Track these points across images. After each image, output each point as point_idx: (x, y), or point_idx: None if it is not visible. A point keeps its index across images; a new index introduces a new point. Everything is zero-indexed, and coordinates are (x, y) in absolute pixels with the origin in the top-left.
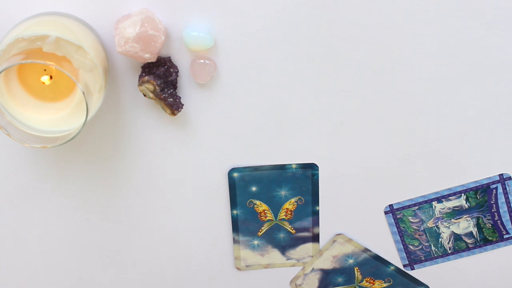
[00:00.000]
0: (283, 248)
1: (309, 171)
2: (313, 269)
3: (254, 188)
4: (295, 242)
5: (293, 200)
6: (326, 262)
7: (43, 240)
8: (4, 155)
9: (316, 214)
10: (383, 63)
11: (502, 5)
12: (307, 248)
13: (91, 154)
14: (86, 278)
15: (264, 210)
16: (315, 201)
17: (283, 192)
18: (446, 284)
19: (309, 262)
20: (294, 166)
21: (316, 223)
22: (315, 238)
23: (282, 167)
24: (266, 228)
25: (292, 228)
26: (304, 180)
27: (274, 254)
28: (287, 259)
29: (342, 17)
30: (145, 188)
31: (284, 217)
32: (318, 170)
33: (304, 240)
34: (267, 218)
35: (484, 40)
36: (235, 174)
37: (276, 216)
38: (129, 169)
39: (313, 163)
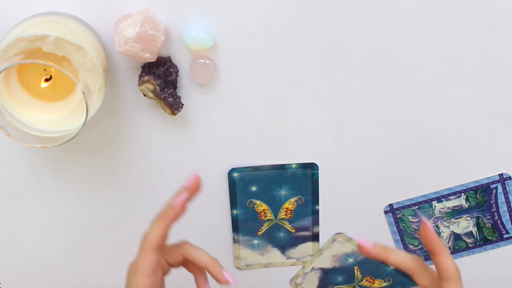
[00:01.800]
0: (283, 247)
1: (309, 170)
2: (313, 268)
3: (254, 188)
4: (295, 241)
5: (293, 199)
6: (326, 261)
7: (43, 239)
8: (4, 155)
9: (316, 213)
10: (383, 63)
11: (502, 5)
12: (307, 247)
13: (91, 154)
14: (86, 278)
15: (264, 209)
16: (315, 200)
17: (283, 192)
18: None
19: (309, 261)
20: (294, 166)
21: (316, 222)
22: (315, 237)
23: (282, 167)
24: (266, 228)
25: (292, 228)
26: (304, 179)
27: (274, 254)
28: (287, 258)
29: (342, 17)
30: (145, 188)
31: (284, 216)
32: (318, 169)
33: (304, 240)
34: (267, 218)
35: (484, 40)
36: (235, 174)
37: (276, 215)
38: (129, 169)
39: (313, 163)
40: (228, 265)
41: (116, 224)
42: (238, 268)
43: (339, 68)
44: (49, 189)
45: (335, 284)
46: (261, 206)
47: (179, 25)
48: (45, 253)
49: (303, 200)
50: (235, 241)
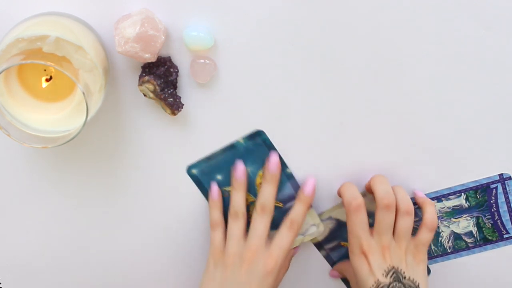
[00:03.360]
0: None
1: (258, 139)
2: (330, 217)
3: (219, 177)
4: None
5: (261, 173)
6: (344, 214)
7: (43, 240)
8: (4, 155)
9: (291, 177)
10: (383, 63)
11: (502, 5)
12: (308, 213)
13: (91, 154)
14: (86, 278)
15: None
16: (283, 163)
17: (247, 169)
18: (446, 283)
19: (329, 209)
20: (241, 141)
21: (296, 186)
22: None
23: (232, 147)
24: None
25: (279, 202)
26: (259, 149)
27: None
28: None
29: (342, 17)
30: (145, 188)
31: None
32: (265, 134)
33: None
34: (249, 201)
35: (484, 40)
36: (194, 171)
37: (255, 195)
38: (129, 169)
39: (258, 130)
40: None
41: (116, 223)
42: None
43: (339, 68)
44: (49, 189)
45: (344, 240)
46: None
47: (179, 25)
48: (45, 253)
49: None
50: None
